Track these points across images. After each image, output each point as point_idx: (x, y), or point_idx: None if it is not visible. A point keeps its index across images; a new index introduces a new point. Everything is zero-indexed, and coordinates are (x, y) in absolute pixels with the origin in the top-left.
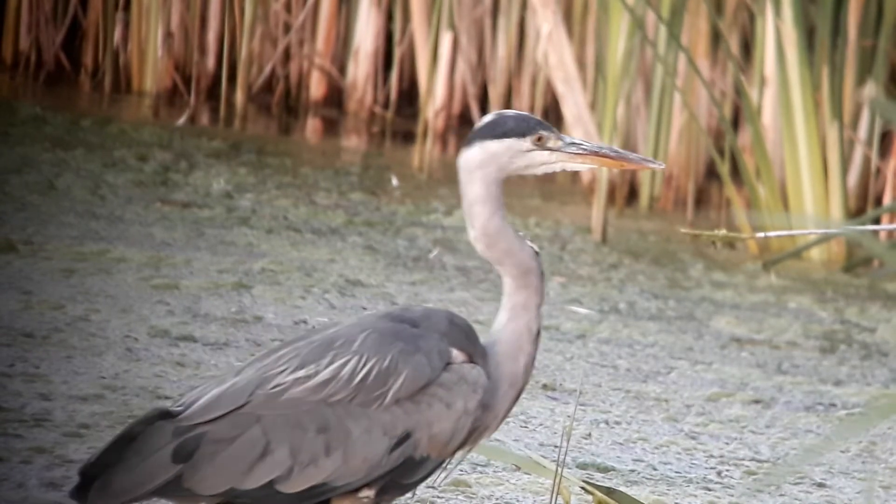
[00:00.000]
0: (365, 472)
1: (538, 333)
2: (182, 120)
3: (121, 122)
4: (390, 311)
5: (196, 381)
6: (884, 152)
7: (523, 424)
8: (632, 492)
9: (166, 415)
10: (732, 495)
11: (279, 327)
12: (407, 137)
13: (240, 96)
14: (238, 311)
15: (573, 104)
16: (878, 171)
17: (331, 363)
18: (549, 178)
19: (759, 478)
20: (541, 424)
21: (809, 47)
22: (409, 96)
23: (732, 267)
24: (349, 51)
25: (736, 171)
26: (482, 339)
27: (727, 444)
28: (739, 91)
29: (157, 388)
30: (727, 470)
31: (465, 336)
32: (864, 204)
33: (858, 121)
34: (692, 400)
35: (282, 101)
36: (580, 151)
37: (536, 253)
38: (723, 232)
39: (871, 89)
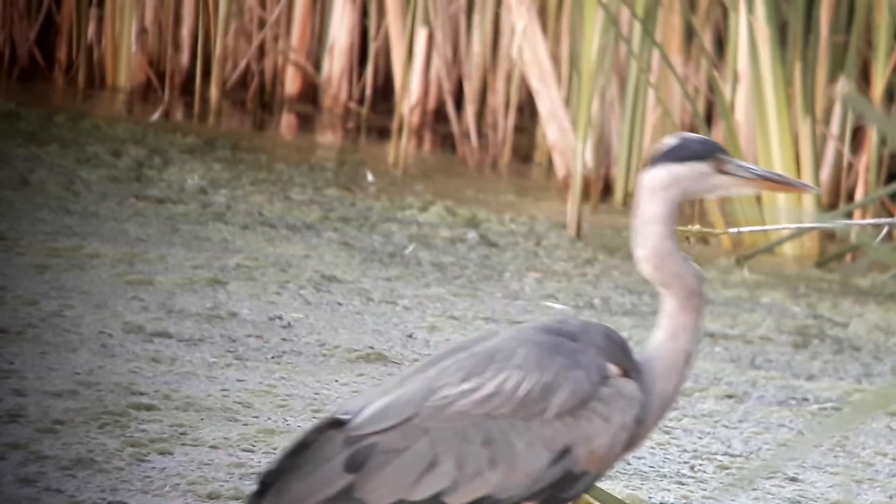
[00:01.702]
0: (527, 485)
1: (693, 355)
2: (156, 116)
3: (94, 118)
4: (547, 323)
5: (171, 377)
6: (856, 148)
7: None
8: (606, 486)
9: (337, 423)
10: (706, 490)
11: (254, 323)
12: (382, 133)
13: (214, 92)
14: (213, 307)
15: (548, 100)
16: (851, 166)
17: (494, 377)
18: (524, 173)
19: (732, 472)
20: None
21: (782, 44)
22: (385, 92)
23: (706, 262)
24: (324, 46)
25: None
26: (637, 355)
27: (700, 438)
28: (713, 87)
29: (132, 384)
30: (700, 464)
31: (621, 351)
32: (836, 199)
33: (831, 116)
34: None
35: (256, 97)
36: (750, 176)
37: (701, 275)
38: (697, 227)
39: (844, 85)
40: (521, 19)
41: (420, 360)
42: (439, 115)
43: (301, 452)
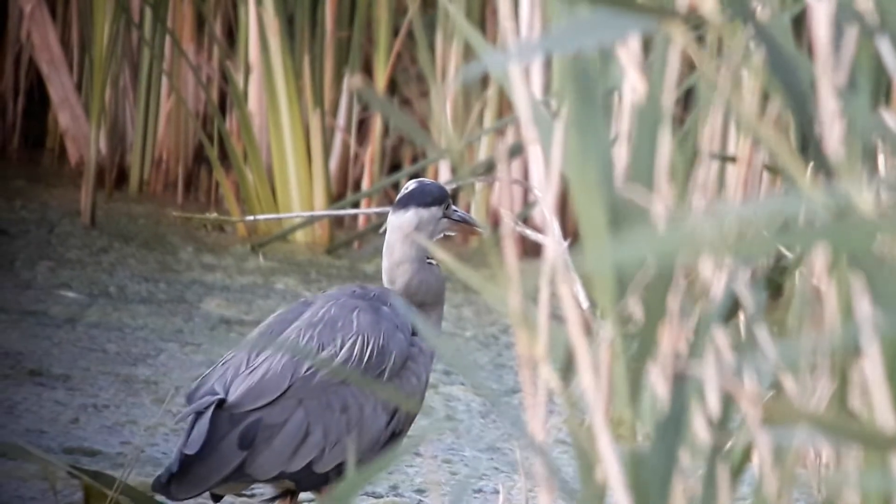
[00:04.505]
0: (370, 449)
1: None
2: None
3: None
4: (353, 289)
5: None
6: (361, 139)
7: (8, 410)
8: (118, 474)
9: (220, 403)
10: None
11: None
12: None
13: None
14: None
15: (59, 86)
16: (357, 157)
17: (343, 344)
18: (35, 159)
19: None
20: (27, 410)
21: (291, 36)
22: None
23: (222, 250)
24: None
25: (225, 155)
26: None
27: None
28: (226, 76)
29: None
30: None
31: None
32: (344, 189)
33: (338, 109)
34: (181, 381)
35: None
36: (457, 219)
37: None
38: (214, 215)
39: (356, 79)
40: (28, 3)
41: (250, 337)
42: None
43: (197, 435)
